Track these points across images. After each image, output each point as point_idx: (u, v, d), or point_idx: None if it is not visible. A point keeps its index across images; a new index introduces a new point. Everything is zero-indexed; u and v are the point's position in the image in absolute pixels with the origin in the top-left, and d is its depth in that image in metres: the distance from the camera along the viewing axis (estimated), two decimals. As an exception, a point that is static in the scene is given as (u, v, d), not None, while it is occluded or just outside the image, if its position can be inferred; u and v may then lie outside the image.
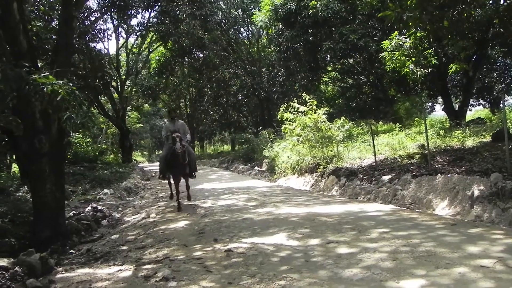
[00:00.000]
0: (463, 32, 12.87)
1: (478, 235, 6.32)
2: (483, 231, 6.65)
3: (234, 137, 36.10)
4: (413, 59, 13.88)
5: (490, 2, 15.34)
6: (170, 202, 12.98)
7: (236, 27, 36.23)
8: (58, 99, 6.10)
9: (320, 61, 23.96)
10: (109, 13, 27.79)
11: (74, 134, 21.99)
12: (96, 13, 25.64)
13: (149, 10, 28.18)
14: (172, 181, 12.31)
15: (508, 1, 13.62)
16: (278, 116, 18.59)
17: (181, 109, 47.57)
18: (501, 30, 14.50)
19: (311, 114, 16.55)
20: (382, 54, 14.54)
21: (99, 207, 11.78)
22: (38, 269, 6.22)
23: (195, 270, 5.71)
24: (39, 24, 15.14)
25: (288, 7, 20.03)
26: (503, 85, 31.84)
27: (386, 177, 11.51)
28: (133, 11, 26.98)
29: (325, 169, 14.72)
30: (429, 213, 8.78)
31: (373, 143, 14.10)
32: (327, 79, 32.51)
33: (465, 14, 11.41)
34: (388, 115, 26.89)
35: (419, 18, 9.78)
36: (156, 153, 73.06)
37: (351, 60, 26.45)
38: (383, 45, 14.35)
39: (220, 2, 31.59)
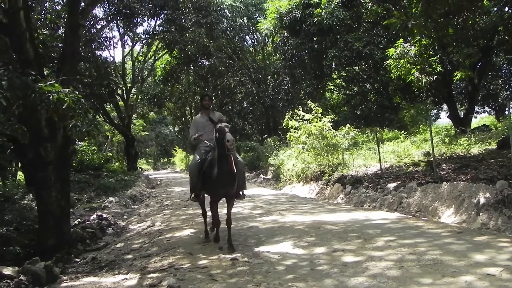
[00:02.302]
0: (468, 40, 12.86)
1: (485, 243, 6.28)
2: (489, 239, 6.61)
3: (240, 145, 35.99)
4: (418, 66, 13.88)
5: (495, 9, 15.36)
6: (205, 242, 8.24)
7: (242, 35, 36.30)
8: (64, 107, 6.12)
9: (325, 69, 23.95)
10: (115, 21, 28.00)
11: (79, 142, 22.03)
12: (102, 21, 25.82)
13: (155, 18, 28.37)
14: (208, 207, 8.05)
15: (513, 9, 13.63)
16: (283, 124, 18.58)
17: (187, 116, 47.61)
18: (506, 37, 14.48)
19: (316, 122, 16.54)
20: (387, 61, 14.53)
21: (104, 215, 11.77)
22: (43, 278, 6.21)
23: (200, 278, 5.69)
24: (45, 32, 15.22)
25: (293, 15, 20.06)
26: (508, 92, 31.78)
27: (391, 185, 11.48)
28: (139, 19, 27.16)
29: (330, 177, 14.70)
30: (435, 221, 8.75)
31: (379, 150, 14.07)
32: (332, 87, 32.52)
33: (470, 22, 11.41)
34: (393, 123, 26.87)
35: (424, 25, 9.77)
36: (162, 161, 73.16)
37: (356, 67, 26.48)
38: (388, 52, 14.34)
39: (225, 10, 31.67)
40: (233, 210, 11.79)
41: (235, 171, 7.02)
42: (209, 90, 39.79)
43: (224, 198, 7.57)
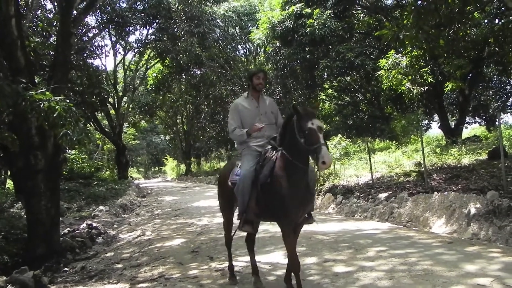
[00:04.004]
0: (459, 51, 12.95)
1: (475, 254, 6.30)
2: (480, 249, 6.63)
3: (231, 154, 35.99)
4: (410, 77, 13.96)
5: (485, 21, 15.50)
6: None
7: (234, 44, 36.34)
8: (54, 115, 6.09)
9: (317, 79, 23.98)
10: (107, 29, 27.97)
11: (70, 150, 21.93)
12: (94, 29, 25.80)
13: (147, 27, 28.38)
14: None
15: (503, 21, 13.76)
16: (275, 134, 18.55)
17: (178, 125, 47.56)
18: (496, 48, 14.63)
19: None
20: (379, 72, 14.60)
21: (94, 224, 11.70)
22: None
23: (190, 288, 5.66)
24: (37, 40, 15.15)
25: (286, 25, 20.11)
26: (498, 103, 31.97)
27: (382, 195, 11.48)
28: (131, 28, 27.12)
29: (321, 187, 14.69)
30: (426, 231, 8.76)
31: (370, 160, 14.10)
32: (324, 97, 32.60)
33: (461, 33, 11.50)
34: (384, 133, 26.94)
35: (415, 37, 9.84)
36: (153, 169, 72.87)
37: (348, 78, 26.54)
38: (379, 63, 14.41)
39: (218, 20, 31.67)
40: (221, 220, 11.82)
41: (313, 190, 5.35)
42: (201, 99, 39.86)
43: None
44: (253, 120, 5.57)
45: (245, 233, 5.93)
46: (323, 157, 4.33)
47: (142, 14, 25.78)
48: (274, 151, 5.17)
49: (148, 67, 36.16)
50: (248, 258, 7.02)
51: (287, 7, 20.46)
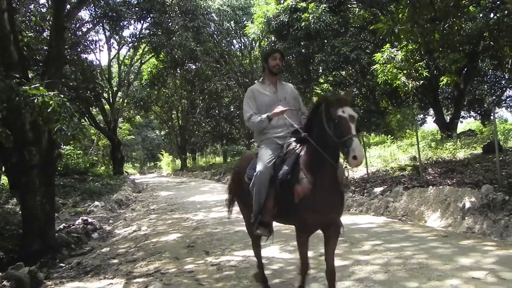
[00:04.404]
0: (454, 45, 12.94)
1: (470, 247, 6.32)
2: (475, 242, 6.65)
3: (226, 149, 36.10)
4: (405, 71, 13.95)
5: (480, 15, 15.50)
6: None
7: (229, 39, 36.27)
8: (48, 110, 6.06)
9: (312, 73, 23.98)
10: (101, 24, 27.84)
11: (64, 146, 21.87)
12: (88, 24, 25.67)
13: (142, 22, 28.27)
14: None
15: (498, 15, 13.76)
16: (270, 128, 18.54)
17: (173, 120, 47.50)
18: (491, 43, 14.64)
19: (303, 126, 16.53)
20: (374, 66, 14.58)
21: (90, 220, 11.68)
22: (27, 283, 6.14)
23: (186, 283, 5.67)
24: (30, 34, 15.10)
25: (281, 19, 20.05)
26: (493, 98, 32.07)
27: (378, 189, 11.51)
28: (125, 22, 27.01)
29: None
30: (421, 225, 8.78)
31: (365, 155, 14.11)
32: (319, 91, 32.51)
33: (456, 27, 11.50)
34: (380, 127, 26.96)
35: (410, 31, 9.83)
36: (148, 165, 72.82)
37: (343, 72, 26.52)
38: (375, 57, 14.39)
39: (212, 14, 31.61)
40: (220, 215, 11.89)
41: (343, 191, 4.56)
42: (196, 94, 39.78)
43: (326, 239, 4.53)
44: (272, 107, 4.85)
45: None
46: (354, 151, 3.71)
47: (136, 8, 25.65)
48: (298, 144, 4.54)
49: (142, 61, 36.04)
50: (244, 253, 7.06)
51: (282, 1, 20.41)
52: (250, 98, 5.08)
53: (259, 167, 4.62)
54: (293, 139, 4.64)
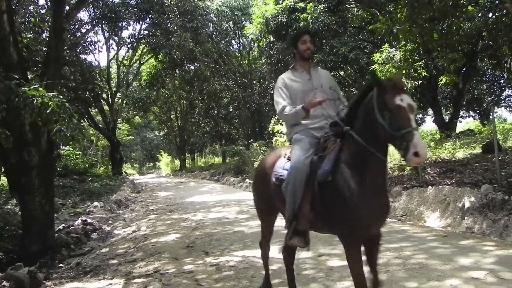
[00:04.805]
0: (452, 45, 12.95)
1: (469, 247, 6.33)
2: (474, 242, 6.66)
3: (225, 150, 36.04)
4: (404, 71, 13.94)
5: (479, 15, 15.51)
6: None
7: (227, 39, 36.29)
8: (48, 111, 6.06)
9: (311, 74, 24.03)
10: (100, 25, 27.83)
11: (64, 146, 21.85)
12: (87, 25, 25.68)
13: (140, 22, 28.26)
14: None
15: (496, 14, 13.77)
16: (269, 128, 18.60)
17: (172, 121, 47.49)
18: (490, 42, 14.63)
19: (302, 126, 16.55)
20: (373, 66, 14.58)
21: (89, 220, 11.67)
22: (26, 284, 6.14)
23: (186, 284, 5.67)
24: (29, 36, 15.08)
25: (279, 19, 20.06)
26: (492, 97, 32.10)
27: (377, 189, 11.50)
28: (124, 23, 27.02)
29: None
30: (421, 225, 8.79)
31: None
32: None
33: (455, 27, 11.51)
34: (379, 127, 27.00)
35: (409, 30, 9.84)
36: (147, 165, 72.73)
37: (342, 72, 26.50)
38: (373, 57, 14.40)
39: (211, 15, 31.61)
40: (219, 215, 11.92)
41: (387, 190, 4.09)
42: (195, 95, 39.77)
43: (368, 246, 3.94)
44: (307, 97, 4.30)
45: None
46: (416, 146, 3.13)
47: (135, 9, 25.68)
48: (338, 139, 3.90)
49: (141, 62, 36.02)
50: (244, 253, 7.05)
51: (280, 1, 20.42)
52: (282, 87, 4.50)
53: (295, 163, 3.97)
54: (331, 132, 4.02)
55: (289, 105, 4.31)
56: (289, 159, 4.18)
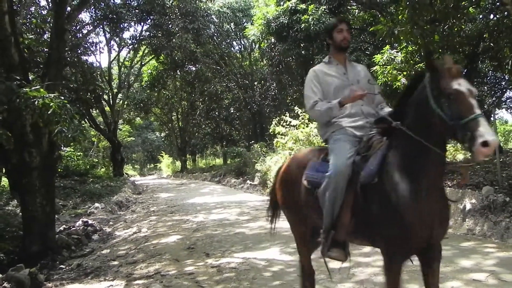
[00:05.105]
0: (453, 47, 12.95)
1: (471, 249, 6.32)
2: (475, 244, 6.66)
3: (226, 151, 36.04)
4: (405, 73, 13.94)
5: (480, 16, 15.51)
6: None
7: (229, 40, 36.33)
8: (49, 112, 6.07)
9: (312, 75, 24.04)
10: (101, 26, 27.85)
11: (65, 147, 21.88)
12: (88, 26, 25.71)
13: (142, 24, 28.27)
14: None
15: (498, 16, 13.77)
16: (270, 130, 18.58)
17: (173, 122, 47.50)
18: (491, 44, 14.62)
19: (303, 128, 16.56)
20: (374, 68, 14.58)
21: (90, 222, 11.67)
22: (27, 285, 6.14)
23: (186, 285, 5.67)
24: (31, 36, 15.08)
25: (281, 21, 20.10)
26: (493, 99, 32.04)
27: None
28: (125, 24, 27.02)
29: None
30: (422, 227, 8.77)
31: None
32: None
33: (456, 29, 11.52)
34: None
35: (410, 32, 9.85)
36: (148, 166, 72.78)
37: (343, 74, 26.62)
38: (374, 59, 14.40)
39: (212, 16, 31.65)
40: (220, 216, 11.91)
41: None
42: (196, 96, 39.79)
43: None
44: (341, 93, 3.86)
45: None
46: (484, 135, 2.62)
47: (136, 10, 25.70)
48: (384, 137, 3.49)
49: (142, 63, 36.07)
50: (245, 255, 7.04)
51: (282, 3, 20.46)
52: (314, 81, 4.02)
53: (336, 164, 3.53)
54: (374, 131, 3.65)
55: (321, 101, 3.88)
56: (324, 160, 3.79)
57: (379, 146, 3.45)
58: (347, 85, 3.90)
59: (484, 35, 14.52)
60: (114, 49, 33.97)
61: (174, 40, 27.44)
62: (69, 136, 6.56)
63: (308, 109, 3.99)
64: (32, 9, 18.29)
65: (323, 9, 18.52)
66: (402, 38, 10.38)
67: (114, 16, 23.81)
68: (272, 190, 4.75)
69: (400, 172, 3.16)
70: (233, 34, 35.47)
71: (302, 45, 20.56)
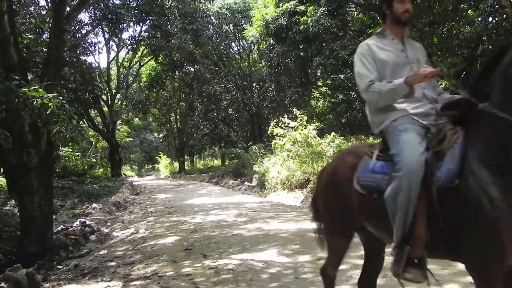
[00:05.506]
0: (452, 49, 13.00)
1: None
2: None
3: (224, 152, 36.00)
4: (403, 75, 13.99)
5: (479, 19, 15.56)
6: None
7: (227, 42, 36.35)
8: (47, 112, 6.08)
9: (311, 77, 24.01)
10: (100, 26, 27.85)
11: (63, 148, 21.86)
12: (87, 26, 25.69)
13: (141, 24, 28.28)
14: None
15: (496, 19, 13.81)
16: (269, 131, 18.60)
17: (172, 123, 47.50)
18: (490, 47, 14.68)
19: (302, 130, 16.56)
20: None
21: (88, 222, 11.66)
22: (24, 285, 6.14)
23: (184, 286, 5.66)
24: (30, 36, 15.08)
25: (279, 22, 20.13)
26: (491, 102, 32.16)
27: (376, 193, 11.48)
28: (124, 25, 27.03)
29: (315, 185, 14.67)
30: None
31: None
32: (317, 95, 32.62)
33: (455, 31, 11.57)
34: (378, 131, 27.00)
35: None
36: (146, 167, 72.72)
37: (342, 75, 26.57)
38: (373, 61, 14.43)
39: (211, 17, 31.68)
40: (218, 218, 11.90)
41: None
42: (194, 97, 39.80)
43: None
44: (400, 72, 3.22)
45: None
46: None
47: (136, 11, 25.71)
48: (458, 126, 2.88)
49: (141, 64, 36.07)
50: (242, 256, 7.04)
51: (281, 4, 20.51)
52: (368, 56, 3.34)
53: (407, 162, 2.82)
54: (443, 119, 3.03)
55: (378, 80, 3.22)
56: (382, 158, 3.20)
57: (454, 138, 2.82)
58: (407, 63, 3.30)
59: (483, 38, 14.58)
60: (113, 50, 34.04)
61: (173, 41, 27.46)
62: (68, 136, 6.57)
63: (363, 90, 3.29)
64: (32, 9, 18.29)
65: (322, 11, 18.55)
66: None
67: (113, 17, 23.82)
68: (316, 196, 4.04)
69: (489, 170, 2.58)
70: (232, 35, 35.48)
71: (300, 46, 20.59)
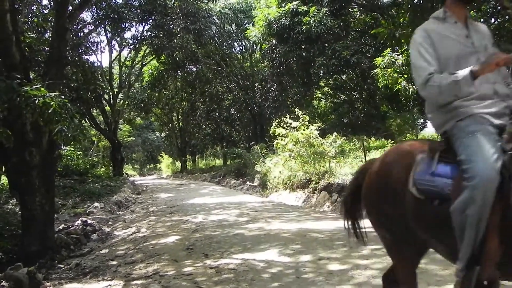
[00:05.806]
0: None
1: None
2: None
3: (226, 152, 36.01)
4: (406, 75, 13.97)
5: (481, 20, 15.51)
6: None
7: (230, 41, 36.36)
8: (49, 111, 6.07)
9: (313, 77, 24.01)
10: (102, 25, 27.85)
11: (65, 147, 21.86)
12: (89, 25, 25.71)
13: (143, 24, 28.27)
14: None
15: (498, 20, 13.78)
16: (271, 131, 18.59)
17: (174, 122, 47.52)
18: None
19: (304, 130, 16.55)
20: (375, 70, 14.62)
21: (89, 221, 11.66)
22: (25, 284, 6.13)
23: (185, 286, 5.66)
24: (32, 35, 15.08)
25: (282, 22, 20.14)
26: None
27: (378, 193, 11.46)
28: (127, 24, 27.05)
29: (317, 185, 14.68)
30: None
31: (365, 159, 14.10)
32: (319, 95, 32.62)
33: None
34: (380, 131, 26.94)
35: (411, 35, 9.87)
36: (148, 166, 72.73)
37: (344, 76, 26.57)
38: (375, 61, 14.42)
39: (214, 17, 31.68)
40: (219, 217, 11.90)
41: None
42: (197, 96, 39.81)
43: None
44: (465, 63, 2.69)
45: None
46: None
47: (138, 10, 25.73)
48: None
49: (143, 63, 36.09)
50: (243, 256, 7.04)
51: (283, 5, 20.52)
52: (426, 45, 2.84)
53: (480, 170, 2.37)
54: None
55: (438, 72, 2.70)
56: (441, 158, 2.69)
57: None
58: (473, 52, 2.76)
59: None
60: (115, 49, 34.01)
61: (175, 40, 27.46)
62: (69, 135, 6.57)
63: (420, 84, 2.76)
64: (34, 8, 18.29)
65: (324, 11, 18.56)
66: (403, 41, 10.40)
67: (116, 16, 23.85)
68: (349, 195, 3.62)
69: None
70: (234, 35, 35.50)
71: (303, 47, 20.62)
